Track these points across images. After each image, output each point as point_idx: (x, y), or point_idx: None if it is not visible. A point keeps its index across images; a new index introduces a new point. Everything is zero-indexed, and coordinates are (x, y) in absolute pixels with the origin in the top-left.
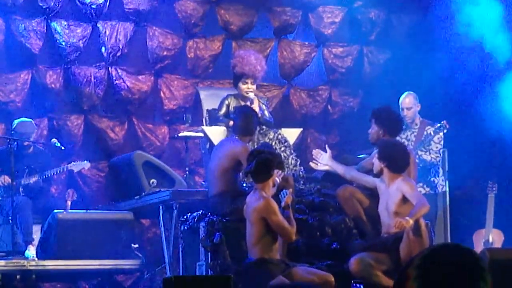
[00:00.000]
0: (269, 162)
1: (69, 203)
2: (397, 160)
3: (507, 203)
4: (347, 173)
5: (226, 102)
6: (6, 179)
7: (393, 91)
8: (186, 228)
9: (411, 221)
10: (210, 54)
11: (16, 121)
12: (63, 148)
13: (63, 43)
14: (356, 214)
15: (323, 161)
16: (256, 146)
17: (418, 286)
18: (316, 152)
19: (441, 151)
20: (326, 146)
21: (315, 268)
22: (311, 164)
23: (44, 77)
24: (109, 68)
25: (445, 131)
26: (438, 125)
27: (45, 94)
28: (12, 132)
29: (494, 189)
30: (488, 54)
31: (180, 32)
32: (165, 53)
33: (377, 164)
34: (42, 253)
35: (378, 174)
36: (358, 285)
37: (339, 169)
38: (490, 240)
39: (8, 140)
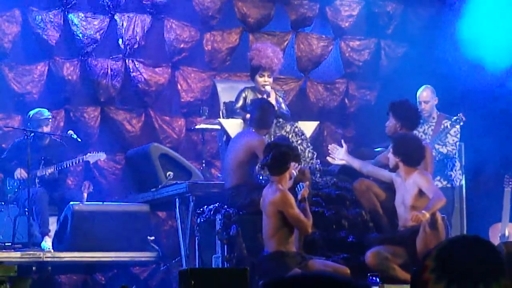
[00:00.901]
0: (285, 155)
1: (85, 195)
2: (411, 154)
3: None
4: (363, 167)
5: (243, 94)
6: (23, 172)
7: (410, 84)
8: (202, 220)
9: (428, 215)
10: (227, 46)
11: (31, 112)
12: (79, 140)
13: (80, 35)
14: (373, 207)
15: (339, 156)
16: (272, 139)
17: (436, 277)
18: (332, 147)
19: (457, 144)
20: (342, 141)
21: (331, 261)
22: (328, 158)
23: (61, 69)
24: (126, 60)
25: (461, 123)
26: (454, 118)
27: (62, 86)
28: (28, 123)
29: (510, 183)
30: (505, 47)
31: (198, 24)
32: (182, 45)
33: (392, 159)
34: (58, 245)
35: (394, 169)
36: (374, 278)
37: (355, 163)
38: (506, 234)
39: (24, 132)
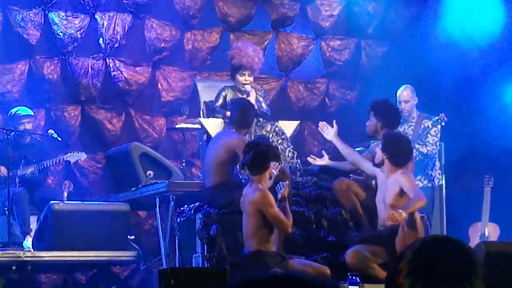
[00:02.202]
0: (265, 154)
1: (65, 194)
2: (399, 154)
3: (503, 196)
4: (348, 154)
5: (223, 93)
6: (3, 169)
7: (390, 84)
8: (182, 219)
9: (404, 214)
10: (208, 46)
11: (13, 110)
12: (60, 139)
13: (61, 34)
14: (353, 206)
15: (328, 136)
16: (253, 138)
17: (410, 282)
18: (322, 124)
19: (437, 143)
20: (334, 121)
21: (311, 260)
22: (309, 159)
23: (41, 68)
24: (107, 59)
25: (443, 123)
26: (436, 118)
27: (43, 85)
28: (9, 122)
29: (490, 182)
30: (486, 47)
31: (178, 23)
32: (163, 44)
33: (379, 155)
34: (38, 244)
35: (379, 164)
36: (354, 278)
37: (343, 148)
38: (486, 233)
39: (5, 131)
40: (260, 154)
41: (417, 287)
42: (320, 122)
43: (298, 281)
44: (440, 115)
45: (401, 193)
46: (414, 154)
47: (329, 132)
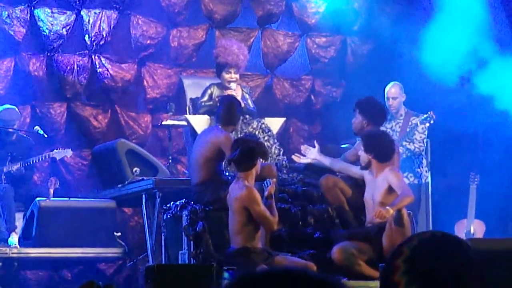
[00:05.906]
0: (253, 151)
1: (51, 191)
2: (383, 149)
3: (488, 194)
4: (334, 165)
5: (209, 91)
6: None
7: (376, 81)
8: (168, 216)
9: (392, 211)
10: (193, 43)
11: (0, 108)
12: (46, 135)
13: (47, 31)
14: (339, 203)
15: (311, 155)
16: (239, 136)
17: (407, 281)
18: (304, 147)
19: (424, 140)
20: (315, 141)
21: (297, 257)
22: (294, 157)
23: (27, 64)
24: (93, 56)
25: (431, 121)
26: (425, 115)
27: (28, 82)
28: None
29: (476, 180)
30: (471, 45)
31: (164, 20)
32: (148, 41)
33: (364, 157)
34: (24, 241)
35: (366, 166)
36: None
37: (326, 161)
38: (472, 230)
39: None
40: (248, 151)
41: (414, 286)
42: (302, 146)
43: (301, 277)
44: (429, 113)
45: (390, 190)
46: (401, 151)
47: (312, 152)
